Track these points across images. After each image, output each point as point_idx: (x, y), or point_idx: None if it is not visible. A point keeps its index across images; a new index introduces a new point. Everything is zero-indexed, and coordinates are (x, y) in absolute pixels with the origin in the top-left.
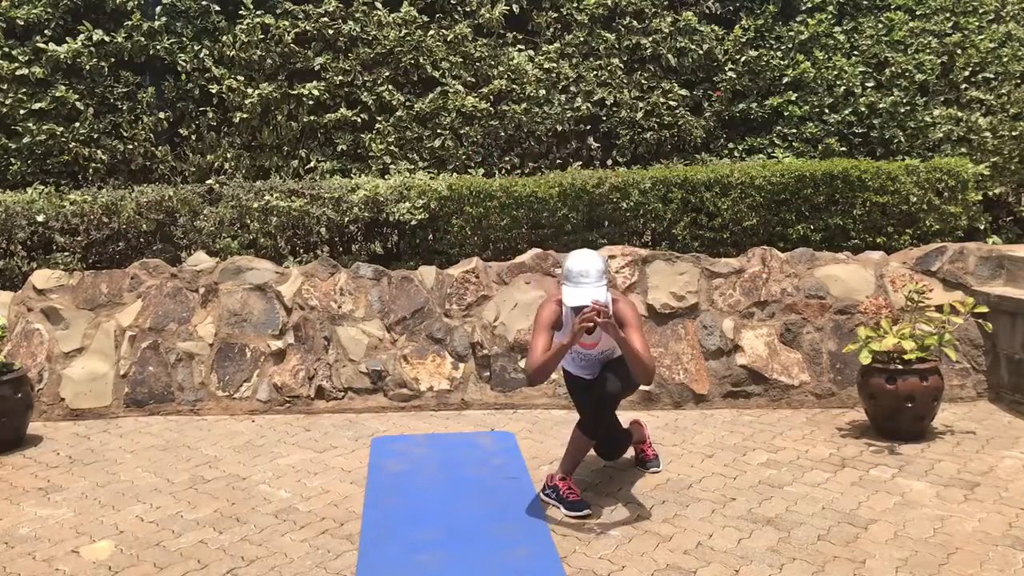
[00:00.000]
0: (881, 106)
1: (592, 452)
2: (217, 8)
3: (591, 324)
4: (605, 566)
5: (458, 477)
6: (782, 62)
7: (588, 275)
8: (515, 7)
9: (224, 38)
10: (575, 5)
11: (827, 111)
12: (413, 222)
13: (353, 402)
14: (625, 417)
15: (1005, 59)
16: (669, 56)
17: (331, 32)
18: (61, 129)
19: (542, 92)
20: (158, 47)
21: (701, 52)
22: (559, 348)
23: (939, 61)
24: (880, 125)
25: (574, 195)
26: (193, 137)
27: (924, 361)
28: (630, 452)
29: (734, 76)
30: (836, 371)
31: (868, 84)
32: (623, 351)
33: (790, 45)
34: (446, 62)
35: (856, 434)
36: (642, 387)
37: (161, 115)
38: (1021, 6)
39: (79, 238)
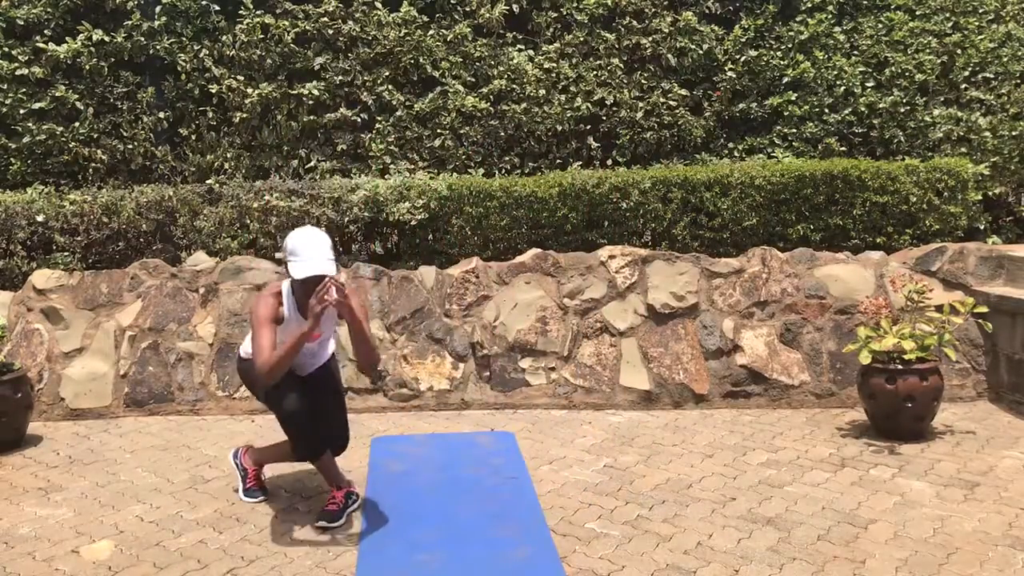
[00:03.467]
0: (881, 106)
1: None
2: (217, 8)
3: (332, 299)
4: (605, 566)
5: (458, 477)
6: (782, 62)
7: (318, 249)
8: (515, 7)
9: (224, 38)
10: (575, 5)
11: (827, 111)
12: (413, 222)
13: (353, 402)
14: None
15: (1005, 59)
16: (669, 56)
17: (331, 32)
18: (61, 129)
19: (542, 92)
20: (158, 47)
21: (701, 52)
22: (299, 337)
23: (939, 61)
24: (880, 125)
25: (574, 195)
26: (193, 137)
27: (924, 361)
28: (629, 453)
29: (734, 76)
30: (836, 371)
31: (868, 84)
32: (352, 331)
33: (790, 45)
34: (446, 62)
35: (856, 434)
36: (639, 387)
37: (161, 115)
38: (1021, 6)
39: (79, 238)
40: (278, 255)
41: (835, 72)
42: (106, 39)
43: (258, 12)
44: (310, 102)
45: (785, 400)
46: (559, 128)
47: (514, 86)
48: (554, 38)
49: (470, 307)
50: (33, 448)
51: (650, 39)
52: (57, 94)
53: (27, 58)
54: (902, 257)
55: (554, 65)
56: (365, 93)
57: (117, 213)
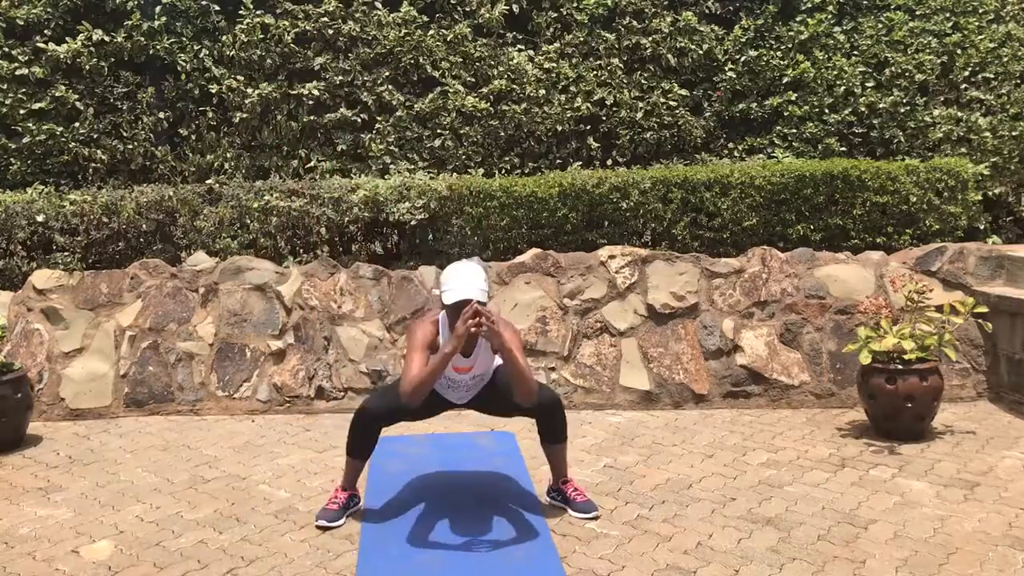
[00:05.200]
0: (881, 106)
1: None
2: (217, 8)
3: (478, 324)
4: (605, 566)
5: (458, 477)
6: (782, 62)
7: (469, 278)
8: (515, 7)
9: (224, 38)
10: (575, 5)
11: (827, 111)
12: (413, 222)
13: (353, 402)
14: (625, 418)
15: (1005, 59)
16: (669, 56)
17: (331, 32)
18: (61, 129)
19: (542, 92)
20: (158, 47)
21: (701, 52)
22: (441, 357)
23: (939, 61)
24: (880, 125)
25: (574, 195)
26: (193, 137)
27: (924, 361)
28: (629, 454)
29: (734, 76)
30: (836, 371)
31: (868, 84)
32: (506, 364)
33: (790, 45)
34: (446, 62)
35: (856, 434)
36: (639, 387)
37: (161, 115)
38: (1021, 6)
39: (79, 238)
40: (435, 291)
41: (835, 72)
42: (106, 39)
43: (258, 12)
44: (310, 102)
45: (785, 400)
46: (559, 128)
47: (514, 86)
48: (554, 38)
49: None
50: (33, 448)
51: (650, 39)
52: (57, 94)
53: (27, 58)
54: (902, 257)
55: (554, 65)
56: (365, 93)
57: (117, 213)
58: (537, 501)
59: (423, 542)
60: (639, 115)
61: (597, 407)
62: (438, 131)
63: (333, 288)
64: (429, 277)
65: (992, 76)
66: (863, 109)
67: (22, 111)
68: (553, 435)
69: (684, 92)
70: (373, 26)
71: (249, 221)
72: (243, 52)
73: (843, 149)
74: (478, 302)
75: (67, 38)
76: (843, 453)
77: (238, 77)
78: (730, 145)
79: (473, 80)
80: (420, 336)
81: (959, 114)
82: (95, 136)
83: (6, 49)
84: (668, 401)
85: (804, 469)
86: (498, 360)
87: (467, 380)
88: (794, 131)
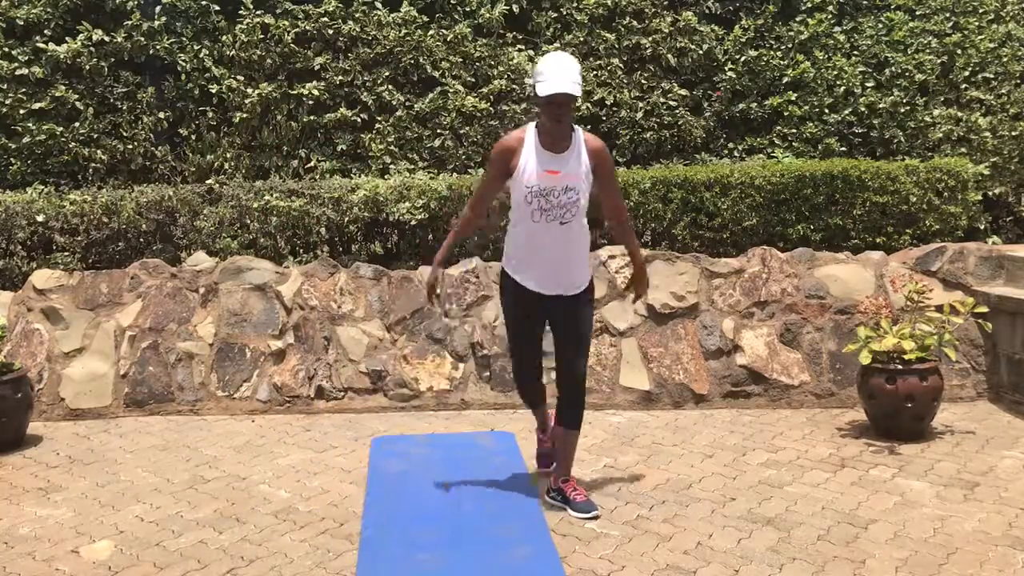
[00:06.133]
0: (881, 106)
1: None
2: (217, 8)
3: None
4: (605, 566)
5: (458, 477)
6: (782, 62)
7: (565, 71)
8: (515, 7)
9: (224, 38)
10: (575, 5)
11: (827, 111)
12: (413, 222)
13: (353, 402)
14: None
15: (1005, 59)
16: (669, 56)
17: (331, 32)
18: (61, 129)
19: None
20: (158, 47)
21: (701, 52)
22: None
23: (939, 61)
24: (880, 125)
25: None
26: (193, 137)
27: (924, 361)
28: (629, 454)
29: (734, 76)
30: (836, 371)
31: (868, 84)
32: (601, 188)
33: (790, 45)
34: (446, 62)
35: (856, 434)
36: (639, 387)
37: (161, 115)
38: (1021, 6)
39: (79, 238)
40: (527, 81)
41: (835, 72)
42: (106, 39)
43: (258, 12)
44: (310, 102)
45: (785, 400)
46: None
47: (514, 86)
48: (554, 38)
49: (470, 307)
50: (33, 448)
51: (650, 39)
52: (57, 94)
53: (27, 58)
54: (902, 257)
55: None
56: (365, 93)
57: (117, 213)
58: (537, 501)
59: (423, 542)
60: (639, 115)
61: (597, 407)
62: (438, 131)
63: (333, 288)
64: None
65: (992, 76)
66: (863, 109)
67: (22, 111)
68: (570, 415)
69: (684, 92)
70: (373, 26)
71: (249, 221)
72: (243, 52)
73: (843, 149)
74: (573, 95)
75: (67, 38)
76: (843, 453)
77: (238, 77)
78: (730, 145)
79: (473, 80)
80: (495, 155)
81: (959, 114)
82: (95, 136)
83: (6, 49)
84: (668, 401)
85: (804, 469)
86: (583, 200)
87: (559, 189)
88: (794, 131)
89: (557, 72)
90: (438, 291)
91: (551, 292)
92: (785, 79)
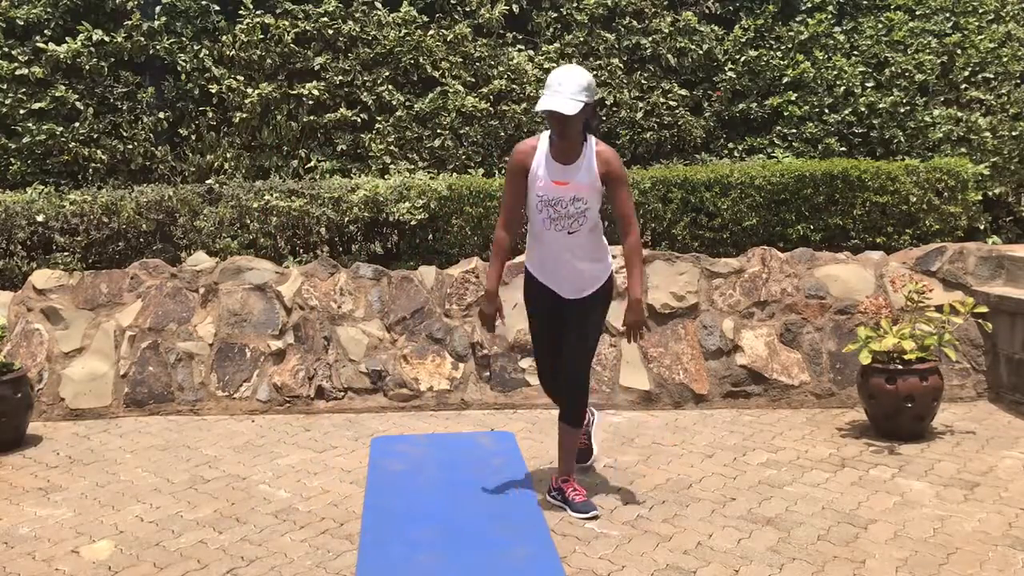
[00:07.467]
0: (881, 106)
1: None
2: (217, 8)
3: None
4: (605, 566)
5: (458, 477)
6: (782, 62)
7: (562, 85)
8: (515, 7)
9: (224, 38)
10: (575, 5)
11: (827, 111)
12: (413, 222)
13: (353, 402)
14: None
15: (1005, 59)
16: (669, 56)
17: (331, 32)
18: (61, 129)
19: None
20: (158, 47)
21: (701, 52)
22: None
23: (939, 61)
24: (880, 125)
25: None
26: (193, 137)
27: (924, 361)
28: (629, 454)
29: (734, 76)
30: (836, 371)
31: (868, 84)
32: (614, 203)
33: (790, 45)
34: (446, 62)
35: (856, 434)
36: (639, 387)
37: (161, 115)
38: (1021, 6)
39: (79, 238)
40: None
41: (835, 72)
42: (106, 39)
43: (258, 12)
44: (310, 102)
45: (785, 400)
46: None
47: (514, 86)
48: (554, 38)
49: (470, 307)
50: (33, 448)
51: (650, 39)
52: (57, 94)
53: (27, 58)
54: (902, 257)
55: (554, 65)
56: (365, 93)
57: (117, 213)
58: (537, 501)
59: (423, 542)
60: (639, 115)
61: (597, 407)
62: (438, 131)
63: (333, 288)
64: (429, 277)
65: (992, 76)
66: (863, 109)
67: (22, 111)
68: (569, 414)
69: (684, 92)
70: (373, 26)
71: (249, 221)
72: (243, 52)
73: (843, 149)
74: (563, 113)
75: (67, 38)
76: (843, 453)
77: (238, 77)
78: (730, 145)
79: (473, 80)
80: (510, 167)
81: (959, 114)
82: (95, 136)
83: (6, 49)
84: (668, 401)
85: (804, 469)
86: (593, 210)
87: (567, 200)
88: (794, 131)
89: (554, 88)
90: (502, 318)
91: (566, 295)
92: (785, 79)
